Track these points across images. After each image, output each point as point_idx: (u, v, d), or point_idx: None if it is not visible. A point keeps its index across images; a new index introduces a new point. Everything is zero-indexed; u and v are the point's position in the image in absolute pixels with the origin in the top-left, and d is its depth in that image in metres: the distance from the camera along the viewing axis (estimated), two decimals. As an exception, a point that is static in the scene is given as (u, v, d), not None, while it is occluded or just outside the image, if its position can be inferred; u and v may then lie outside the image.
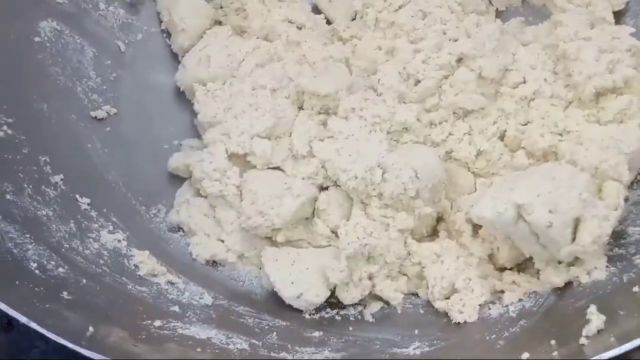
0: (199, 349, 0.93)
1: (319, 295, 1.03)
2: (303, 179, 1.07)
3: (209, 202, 1.12)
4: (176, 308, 1.00)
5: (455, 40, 1.13)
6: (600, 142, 1.02)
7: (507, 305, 1.00)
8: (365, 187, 1.04)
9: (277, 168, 1.10)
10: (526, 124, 1.10)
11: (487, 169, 1.11)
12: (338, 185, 1.07)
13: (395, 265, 1.06)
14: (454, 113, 1.12)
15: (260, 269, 1.08)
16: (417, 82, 1.12)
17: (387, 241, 1.04)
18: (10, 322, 1.05)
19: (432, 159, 1.06)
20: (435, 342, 0.98)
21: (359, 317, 1.05)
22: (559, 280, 0.98)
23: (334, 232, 1.07)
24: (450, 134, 1.12)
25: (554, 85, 1.11)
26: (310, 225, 1.09)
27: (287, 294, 1.03)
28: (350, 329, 1.03)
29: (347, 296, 1.05)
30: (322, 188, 1.09)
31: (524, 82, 1.12)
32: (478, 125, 1.11)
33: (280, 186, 1.06)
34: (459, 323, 1.00)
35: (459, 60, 1.12)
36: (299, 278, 1.04)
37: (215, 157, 1.09)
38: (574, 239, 0.95)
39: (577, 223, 0.95)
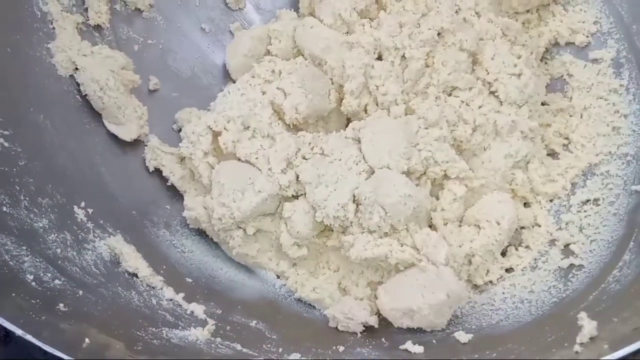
0: (195, 359, 0.93)
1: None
2: (270, 176, 1.10)
3: (184, 167, 1.18)
4: (172, 318, 1.00)
5: (424, 15, 1.15)
6: None
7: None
8: (340, 222, 1.07)
9: (249, 162, 1.12)
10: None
11: (483, 143, 1.13)
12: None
13: None
14: (442, 91, 1.14)
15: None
16: (403, 57, 1.14)
17: None
18: (8, 334, 1.05)
19: (403, 190, 1.04)
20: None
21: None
22: None
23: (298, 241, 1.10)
24: (442, 113, 1.12)
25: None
26: (277, 221, 1.12)
27: None
28: (342, 348, 1.03)
29: None
30: (292, 196, 1.11)
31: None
32: (466, 98, 1.14)
33: (245, 180, 1.09)
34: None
35: (439, 34, 1.14)
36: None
37: (200, 122, 1.15)
38: None
39: None
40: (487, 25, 1.17)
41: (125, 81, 1.17)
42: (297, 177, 1.10)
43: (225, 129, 1.13)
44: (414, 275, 1.04)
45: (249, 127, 1.14)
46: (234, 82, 1.25)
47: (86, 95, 1.14)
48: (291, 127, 1.16)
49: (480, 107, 1.13)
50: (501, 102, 1.14)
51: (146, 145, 1.18)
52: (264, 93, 1.16)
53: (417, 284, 1.03)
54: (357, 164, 1.08)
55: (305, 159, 1.10)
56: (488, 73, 1.15)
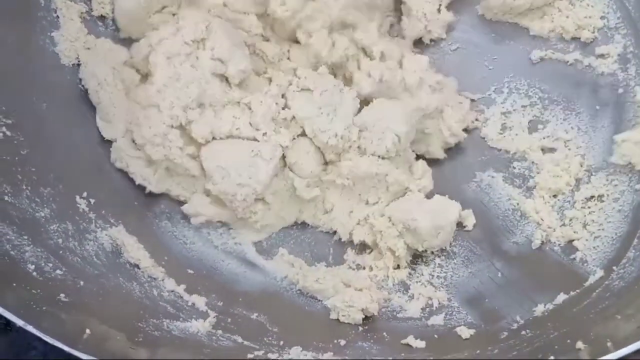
0: (196, 351, 0.93)
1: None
2: (267, 141, 1.10)
3: (158, 168, 1.13)
4: (174, 309, 1.00)
5: None
6: None
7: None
8: (342, 145, 1.10)
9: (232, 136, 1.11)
10: None
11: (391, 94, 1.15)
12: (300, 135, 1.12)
13: None
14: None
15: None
16: None
17: None
18: (9, 323, 1.05)
19: (412, 119, 1.12)
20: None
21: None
22: None
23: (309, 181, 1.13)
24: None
25: None
26: (283, 174, 1.13)
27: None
28: (343, 342, 1.03)
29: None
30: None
31: None
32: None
33: (247, 154, 1.09)
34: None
35: None
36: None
37: (151, 121, 1.10)
38: None
39: None
40: None
41: (125, 77, 1.14)
42: (289, 124, 1.11)
43: (188, 120, 1.10)
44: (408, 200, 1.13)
45: (204, 104, 1.11)
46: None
47: (87, 89, 1.13)
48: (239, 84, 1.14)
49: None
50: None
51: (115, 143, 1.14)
52: (197, 69, 1.11)
53: (413, 207, 1.11)
54: (341, 91, 1.12)
55: (288, 108, 1.11)
56: None
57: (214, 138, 1.11)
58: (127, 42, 1.18)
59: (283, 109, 1.11)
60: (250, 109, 1.11)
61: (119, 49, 1.16)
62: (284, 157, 1.12)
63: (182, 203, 1.15)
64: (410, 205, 1.12)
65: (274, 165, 1.09)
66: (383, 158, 1.12)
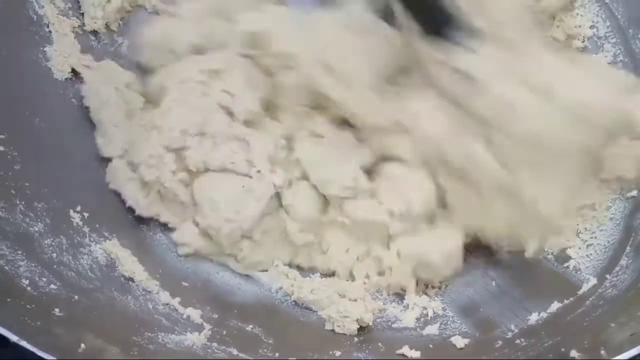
0: (192, 364, 0.94)
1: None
2: (260, 179, 1.08)
3: (150, 191, 1.12)
4: (168, 322, 1.00)
5: None
6: None
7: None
8: (348, 194, 1.08)
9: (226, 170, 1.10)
10: None
11: None
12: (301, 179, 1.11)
13: None
14: None
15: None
16: None
17: None
18: (4, 338, 1.05)
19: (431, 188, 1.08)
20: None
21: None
22: None
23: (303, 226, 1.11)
24: None
25: None
26: (277, 215, 1.11)
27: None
28: (338, 353, 1.03)
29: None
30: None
31: None
32: None
33: (238, 189, 1.08)
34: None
35: None
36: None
37: (150, 142, 1.09)
38: None
39: None
40: None
41: (129, 99, 1.14)
42: (288, 166, 1.10)
43: (186, 145, 1.09)
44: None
45: (205, 133, 1.10)
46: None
47: (87, 107, 1.13)
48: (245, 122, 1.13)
49: None
50: None
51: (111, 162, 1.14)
52: (205, 97, 1.11)
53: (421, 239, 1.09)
54: (354, 145, 1.10)
55: (292, 149, 1.11)
56: None
57: (207, 169, 1.10)
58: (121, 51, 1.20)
59: (286, 150, 1.11)
60: (249, 145, 1.11)
61: (123, 71, 1.17)
62: (280, 197, 1.11)
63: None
64: (418, 238, 1.09)
65: (264, 204, 1.07)
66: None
